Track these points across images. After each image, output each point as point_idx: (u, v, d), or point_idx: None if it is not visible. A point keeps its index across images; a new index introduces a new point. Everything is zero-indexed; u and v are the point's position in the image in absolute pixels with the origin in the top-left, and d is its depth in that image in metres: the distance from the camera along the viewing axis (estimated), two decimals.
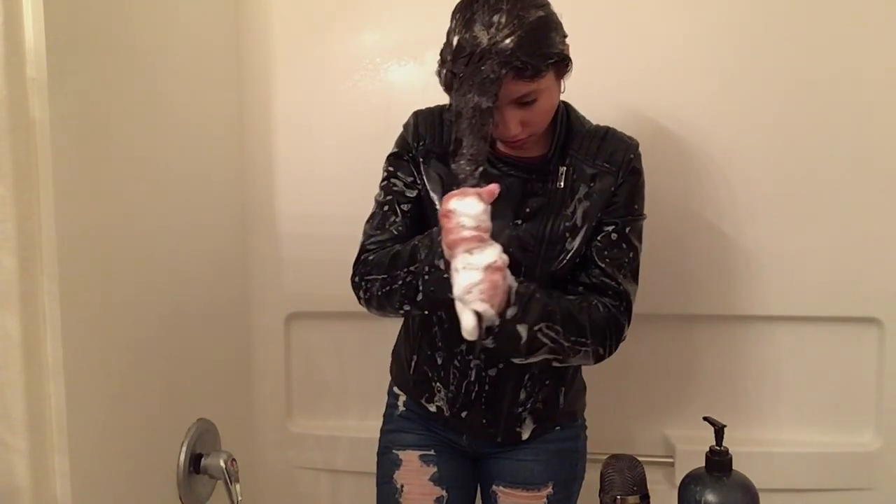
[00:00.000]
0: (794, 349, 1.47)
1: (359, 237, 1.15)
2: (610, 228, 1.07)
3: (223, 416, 1.42)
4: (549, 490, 1.16)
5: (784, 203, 1.42)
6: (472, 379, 1.14)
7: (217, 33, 1.48)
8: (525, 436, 1.16)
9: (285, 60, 1.54)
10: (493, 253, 0.91)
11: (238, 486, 1.28)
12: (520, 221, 1.08)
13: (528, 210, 1.08)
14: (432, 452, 1.22)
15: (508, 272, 0.95)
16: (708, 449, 0.98)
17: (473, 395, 1.15)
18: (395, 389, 1.27)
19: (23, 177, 0.93)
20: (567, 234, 1.07)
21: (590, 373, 1.42)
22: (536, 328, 0.98)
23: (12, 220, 0.92)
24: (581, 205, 1.07)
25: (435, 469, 1.21)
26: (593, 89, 1.33)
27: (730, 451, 0.97)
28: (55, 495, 0.99)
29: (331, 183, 1.54)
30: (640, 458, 1.03)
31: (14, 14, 0.91)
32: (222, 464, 1.28)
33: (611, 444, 1.24)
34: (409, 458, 1.22)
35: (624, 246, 1.07)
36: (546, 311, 0.99)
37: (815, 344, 1.46)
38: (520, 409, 1.14)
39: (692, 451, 1.11)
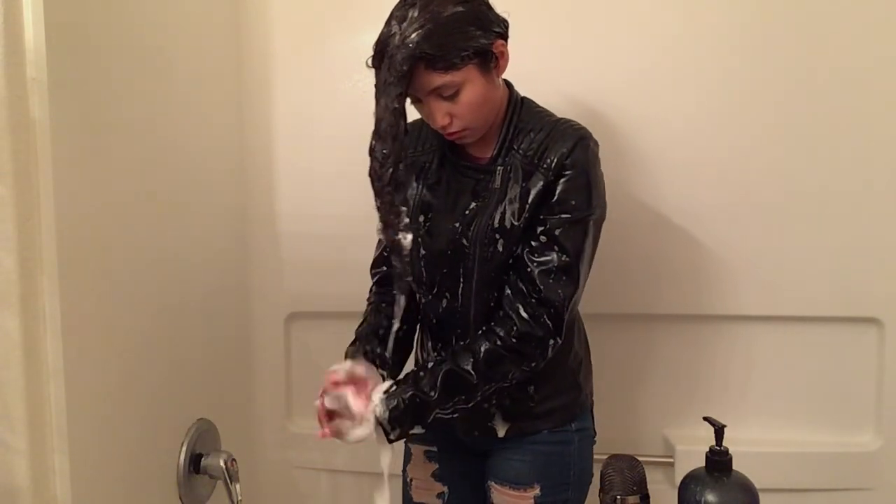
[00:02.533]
0: (795, 349, 1.47)
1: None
2: (540, 230, 1.04)
3: (223, 416, 1.42)
4: (537, 491, 1.15)
5: (784, 204, 1.42)
6: None
7: (217, 33, 1.48)
8: (500, 433, 1.16)
9: (285, 60, 1.54)
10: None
11: (238, 486, 1.28)
12: (458, 224, 1.08)
13: (467, 212, 1.09)
14: (434, 449, 1.24)
15: (370, 416, 1.03)
16: (708, 449, 0.98)
17: None
18: None
19: (23, 177, 0.93)
20: (497, 236, 1.06)
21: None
22: (430, 419, 1.05)
23: (12, 220, 0.92)
24: (511, 206, 1.05)
25: (436, 466, 1.24)
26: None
27: (730, 451, 0.97)
28: (55, 495, 0.99)
29: (331, 183, 1.54)
30: (640, 458, 1.03)
31: (14, 14, 0.92)
32: (222, 464, 1.28)
33: (611, 444, 1.24)
34: (417, 453, 1.26)
35: (555, 248, 1.03)
36: (428, 405, 1.03)
37: (815, 344, 1.46)
38: (486, 405, 1.14)
39: (692, 451, 1.11)
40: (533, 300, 1.03)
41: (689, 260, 1.46)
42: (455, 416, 1.07)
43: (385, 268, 1.21)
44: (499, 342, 1.04)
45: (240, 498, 1.27)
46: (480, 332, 1.07)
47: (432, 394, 1.04)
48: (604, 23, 1.43)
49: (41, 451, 0.97)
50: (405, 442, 1.28)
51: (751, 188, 1.42)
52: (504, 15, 1.04)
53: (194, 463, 1.29)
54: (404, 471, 1.28)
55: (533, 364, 1.06)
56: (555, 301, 1.03)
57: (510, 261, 1.07)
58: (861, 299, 1.43)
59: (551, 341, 1.05)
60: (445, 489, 1.23)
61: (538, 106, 1.12)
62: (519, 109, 1.10)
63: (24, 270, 0.93)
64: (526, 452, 1.16)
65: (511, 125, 1.08)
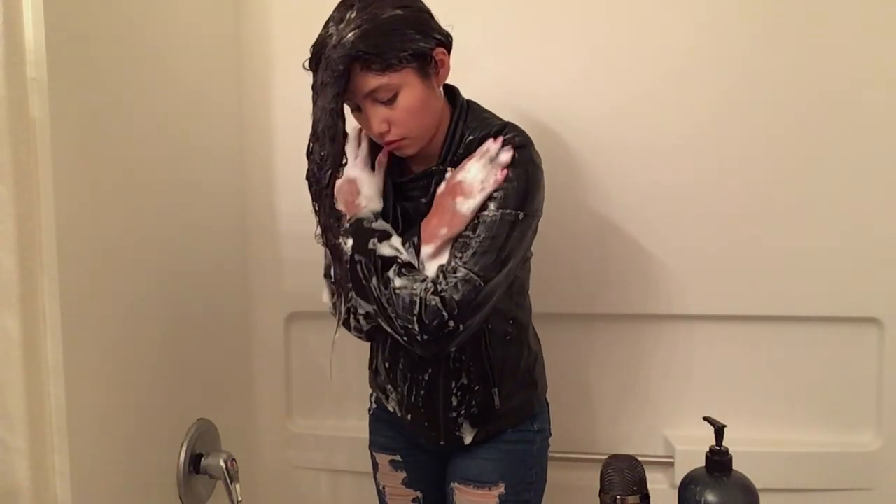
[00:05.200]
0: (795, 349, 1.47)
1: None
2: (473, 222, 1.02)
3: (223, 416, 1.42)
4: (501, 490, 1.15)
5: (784, 204, 1.42)
6: (410, 382, 1.15)
7: (217, 33, 1.48)
8: (467, 440, 1.15)
9: (285, 60, 1.54)
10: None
11: (238, 486, 1.28)
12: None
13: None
14: (398, 458, 1.24)
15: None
16: (708, 449, 0.98)
17: (413, 397, 1.15)
18: (370, 388, 1.29)
19: (23, 177, 0.93)
20: None
21: (589, 371, 1.43)
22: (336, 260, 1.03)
23: (12, 220, 0.92)
24: None
25: (404, 474, 1.23)
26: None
27: (730, 451, 0.97)
28: (55, 495, 0.99)
29: None
30: (640, 458, 1.03)
31: (14, 14, 0.92)
32: (222, 464, 1.28)
33: (611, 444, 1.24)
34: (383, 462, 1.26)
35: (478, 230, 1.00)
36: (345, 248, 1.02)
37: (815, 344, 1.46)
38: (454, 414, 1.13)
39: (692, 451, 1.10)
40: (444, 273, 1.00)
41: (689, 260, 1.46)
42: (346, 302, 1.05)
43: None
44: (425, 288, 0.98)
45: (240, 498, 1.27)
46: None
47: (349, 242, 1.02)
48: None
49: (41, 451, 0.97)
50: (370, 450, 1.28)
51: (752, 189, 1.42)
52: (448, 28, 1.04)
53: (194, 463, 1.29)
54: (376, 479, 1.28)
55: (411, 332, 0.98)
56: (466, 277, 0.98)
57: None
58: (861, 299, 1.43)
59: (445, 317, 0.97)
60: (419, 494, 1.24)
61: (486, 111, 1.11)
62: (465, 114, 1.09)
63: (24, 270, 0.93)
64: (490, 451, 1.16)
65: (458, 127, 1.07)
